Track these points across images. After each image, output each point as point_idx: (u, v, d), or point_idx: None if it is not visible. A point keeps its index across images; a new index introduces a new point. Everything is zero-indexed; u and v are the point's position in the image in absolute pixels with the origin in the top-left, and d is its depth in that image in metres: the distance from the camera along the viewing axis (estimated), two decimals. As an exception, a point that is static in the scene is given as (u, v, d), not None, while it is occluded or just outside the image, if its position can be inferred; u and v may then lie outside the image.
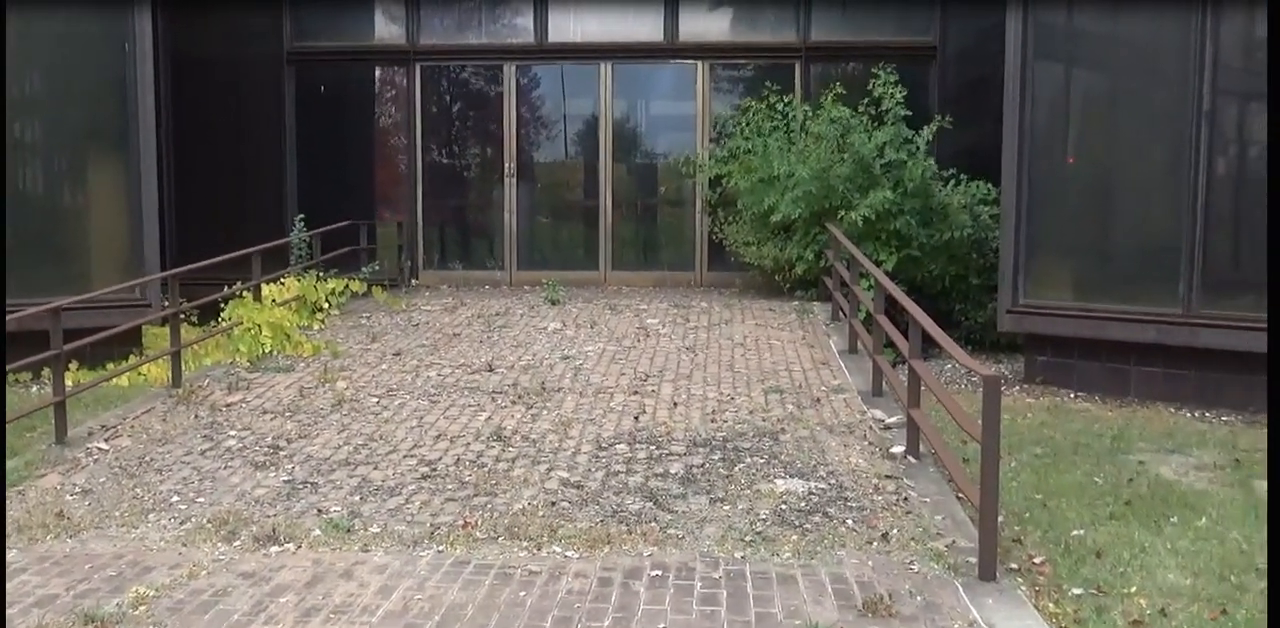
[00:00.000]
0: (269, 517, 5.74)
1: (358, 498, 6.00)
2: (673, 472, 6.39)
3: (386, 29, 14.63)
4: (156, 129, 11.63)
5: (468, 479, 6.27)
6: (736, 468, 6.45)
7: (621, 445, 6.92)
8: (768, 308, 12.04)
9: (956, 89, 14.00)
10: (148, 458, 6.80)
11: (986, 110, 13.81)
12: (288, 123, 14.34)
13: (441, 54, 14.41)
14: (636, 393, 8.25)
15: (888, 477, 6.32)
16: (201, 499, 6.05)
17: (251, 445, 7.00)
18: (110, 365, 9.94)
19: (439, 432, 7.25)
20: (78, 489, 6.27)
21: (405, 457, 6.73)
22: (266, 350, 9.60)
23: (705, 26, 14.54)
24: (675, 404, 7.94)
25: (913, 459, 6.68)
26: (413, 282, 14.26)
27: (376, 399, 8.11)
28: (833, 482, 6.22)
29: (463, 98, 15.15)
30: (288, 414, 7.72)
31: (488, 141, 14.79)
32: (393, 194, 14.88)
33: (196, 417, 7.73)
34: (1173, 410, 9.53)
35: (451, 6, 14.52)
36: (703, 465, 6.50)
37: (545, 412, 7.73)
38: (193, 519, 5.74)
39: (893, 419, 7.49)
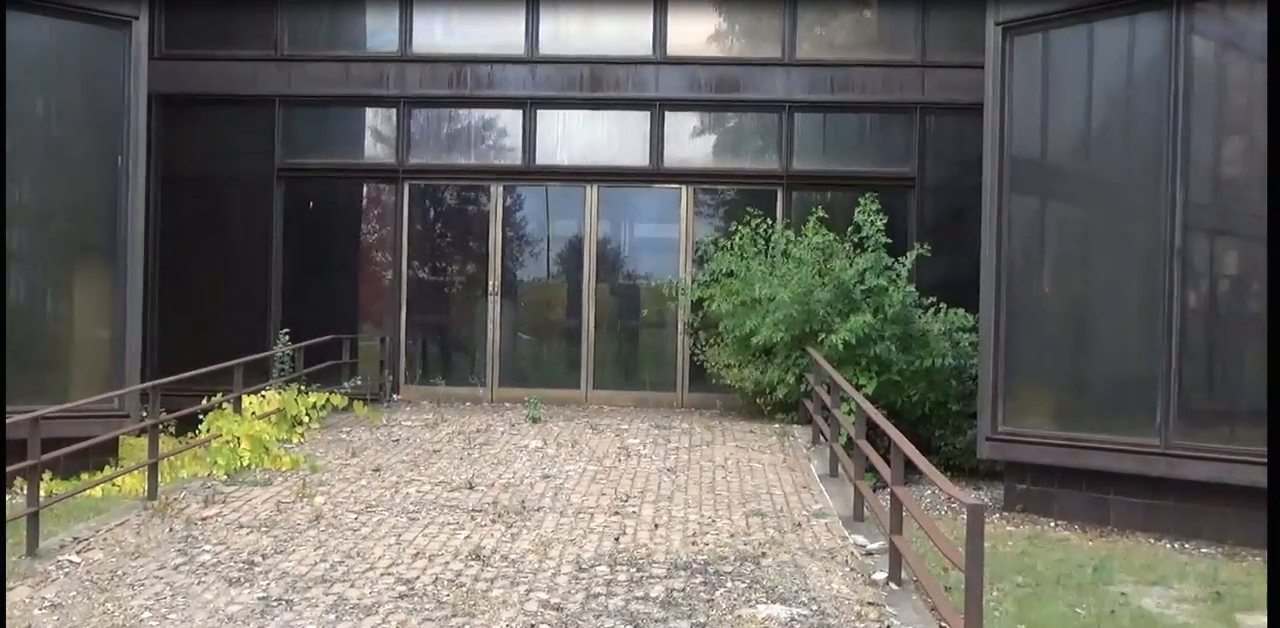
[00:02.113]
0: (242, 636, 5.63)
1: (334, 617, 5.90)
2: (653, 595, 6.31)
3: (376, 147, 14.99)
4: (146, 244, 11.79)
5: (445, 599, 6.18)
6: (718, 592, 6.38)
7: (602, 567, 6.84)
8: (748, 430, 12.06)
9: (934, 218, 14.36)
10: (120, 572, 6.68)
11: (963, 240, 14.14)
12: (275, 236, 14.51)
13: (430, 173, 14.71)
14: (617, 514, 8.20)
15: (870, 604, 6.26)
16: (173, 616, 5.93)
17: (226, 561, 6.89)
18: (85, 476, 9.84)
19: (417, 550, 7.16)
20: (47, 604, 6.14)
21: (383, 575, 6.63)
22: (245, 464, 9.51)
23: (690, 153, 14.94)
24: (656, 526, 7.88)
25: (895, 586, 6.63)
26: (394, 396, 14.24)
27: (355, 515, 8.03)
28: (815, 608, 6.16)
29: (449, 215, 15.41)
30: (264, 529, 7.62)
31: (472, 259, 14.98)
32: (377, 309, 14.99)
33: (171, 530, 7.62)
34: (1153, 541, 9.53)
35: (441, 127, 14.89)
36: (684, 589, 6.43)
37: (525, 531, 7.66)
38: (164, 637, 5.62)
39: (875, 545, 7.45)
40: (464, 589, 6.35)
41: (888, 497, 6.80)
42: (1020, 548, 8.81)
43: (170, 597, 6.24)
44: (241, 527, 7.69)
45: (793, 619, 5.95)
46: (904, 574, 6.72)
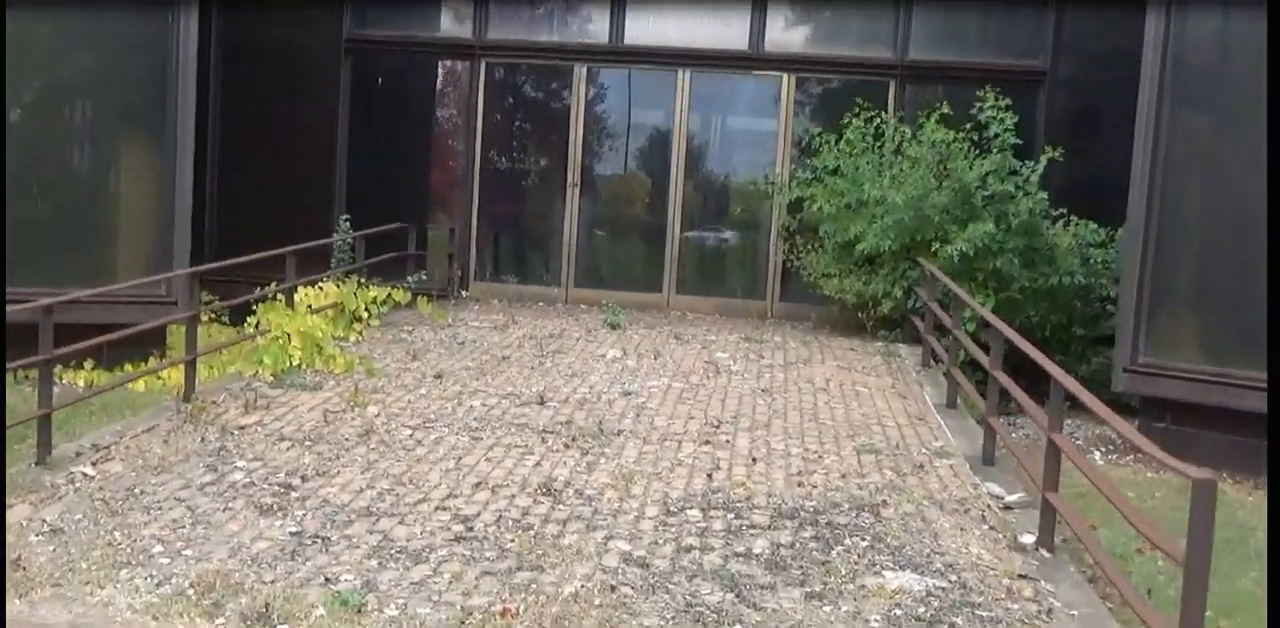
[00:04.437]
0: (265, 583, 4.68)
1: (375, 563, 4.93)
2: (756, 552, 5.27)
3: (451, 20, 13.67)
4: (206, 117, 10.76)
5: (509, 546, 5.18)
6: (834, 552, 5.32)
7: (693, 511, 5.81)
8: (849, 348, 10.90)
9: (1065, 118, 12.82)
10: (138, 490, 5.78)
11: (1097, 143, 12.71)
12: (341, 115, 13.38)
13: (508, 50, 13.41)
14: (708, 443, 7.14)
15: (1021, 577, 5.17)
16: (189, 552, 5.01)
17: (260, 482, 5.96)
18: (130, 367, 8.98)
19: (479, 478, 6.17)
20: (46, 528, 5.24)
21: (437, 509, 5.66)
22: (294, 363, 8.57)
23: (794, 37, 13.49)
24: (754, 459, 6.82)
25: (1046, 553, 5.53)
26: (462, 293, 13.24)
27: (410, 431, 7.06)
28: (954, 579, 5.08)
29: (527, 99, 14.16)
30: (307, 444, 6.67)
31: (551, 148, 13.77)
32: (447, 198, 13.90)
33: (203, 440, 6.71)
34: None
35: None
36: (792, 545, 5.38)
37: (603, 460, 6.64)
38: (173, 580, 4.69)
39: (1013, 497, 6.33)
40: (531, 533, 5.35)
41: (1019, 434, 5.65)
42: (1171, 501, 7.64)
43: (190, 526, 5.31)
44: (283, 439, 6.76)
45: (929, 594, 4.88)
46: (1056, 539, 5.61)
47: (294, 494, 5.79)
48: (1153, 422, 9.62)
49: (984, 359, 7.44)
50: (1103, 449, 9.66)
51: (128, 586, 4.63)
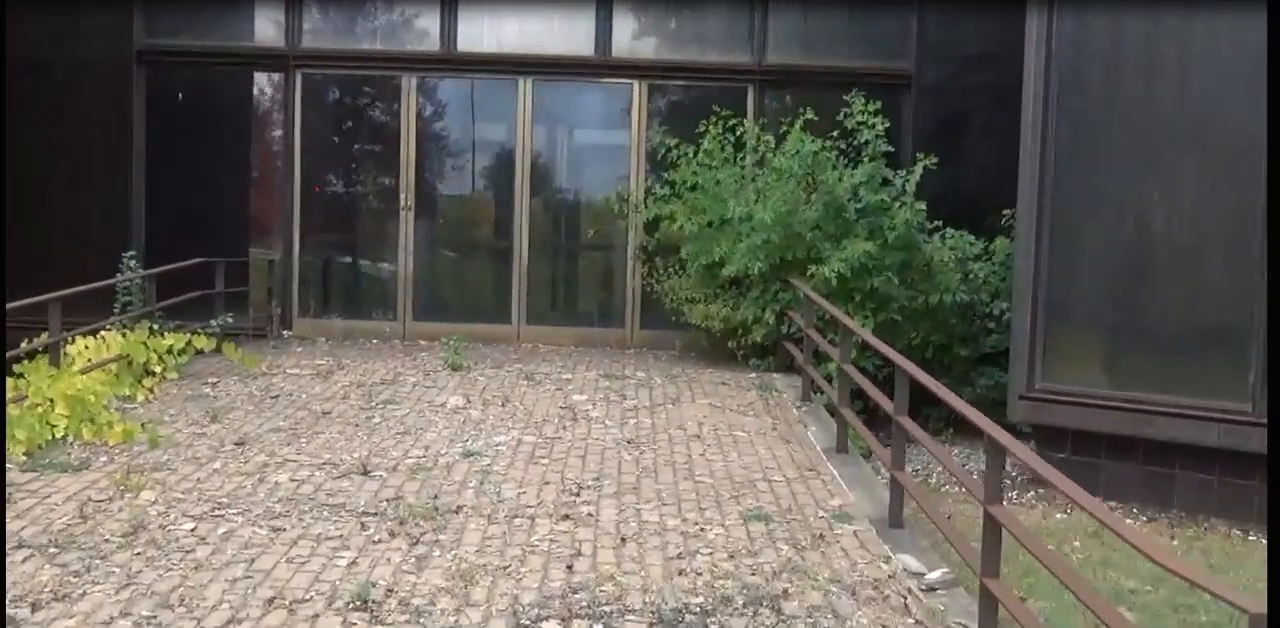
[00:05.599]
0: None
1: (111, 745, 3.56)
2: (633, 681, 4.07)
3: (260, 27, 12.17)
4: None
5: (305, 699, 3.87)
6: (732, 674, 4.15)
7: (550, 623, 4.57)
8: (720, 381, 9.80)
9: (933, 123, 12.03)
10: None
11: (966, 149, 11.99)
12: (135, 137, 11.76)
13: (327, 60, 12.00)
14: (567, 517, 5.91)
15: (969, 697, 4.08)
16: None
17: (-25, 615, 4.50)
18: None
19: (274, 590, 4.82)
20: None
21: (213, 643, 4.30)
22: (59, 435, 7.04)
23: (644, 41, 12.44)
24: (623, 539, 5.61)
25: (990, 655, 4.46)
26: (284, 333, 11.76)
27: (193, 524, 5.64)
28: (887, 706, 3.96)
29: (352, 114, 12.77)
30: (52, 552, 5.21)
31: (381, 167, 12.40)
32: (266, 226, 12.39)
33: (-86, 552, 5.19)
34: (1231, 531, 7.53)
35: (341, 2, 12.15)
36: (678, 667, 4.19)
37: (437, 551, 5.35)
38: None
39: (935, 575, 5.25)
40: (336, 676, 4.04)
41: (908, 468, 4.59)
42: (1090, 551, 6.73)
43: None
44: (20, 546, 5.27)
45: (860, 736, 3.74)
46: (1000, 634, 4.55)
47: (18, 633, 4.35)
48: (1051, 452, 8.80)
49: (886, 403, 6.40)
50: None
51: None
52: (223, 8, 12.18)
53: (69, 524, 5.58)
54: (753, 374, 10.15)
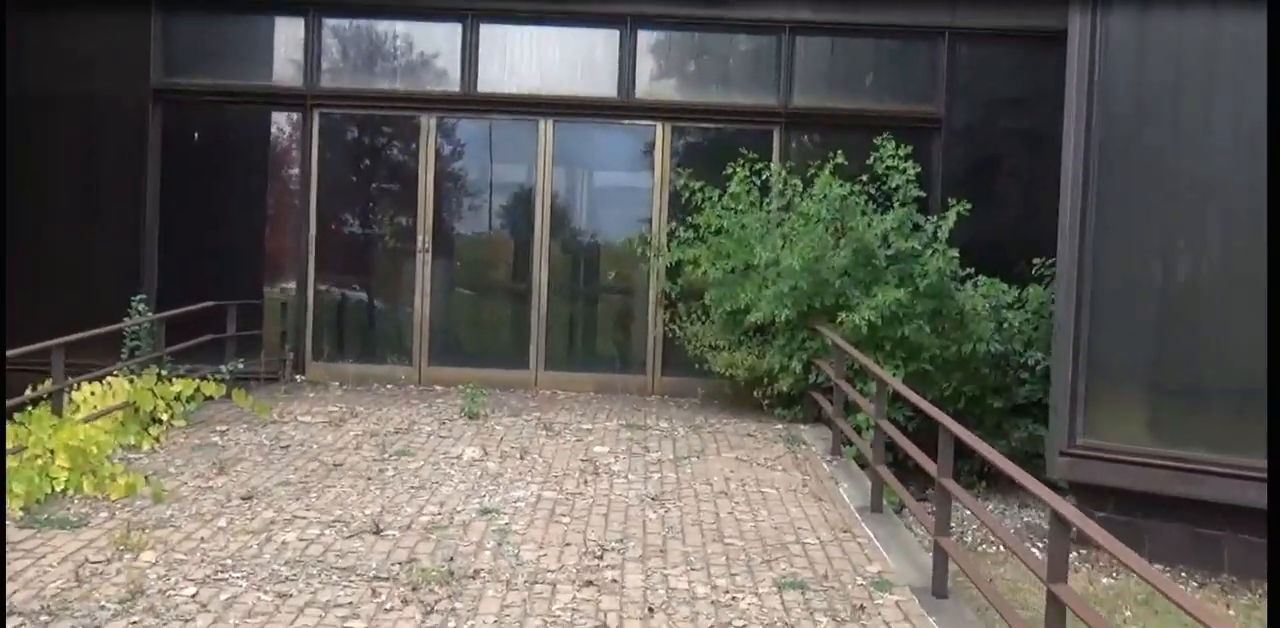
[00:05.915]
0: None
1: None
2: None
3: (279, 66, 12.00)
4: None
5: None
6: None
7: (575, 708, 4.23)
8: (746, 432, 9.46)
9: (962, 167, 11.79)
10: None
11: (997, 193, 11.74)
12: (150, 177, 11.55)
13: (345, 99, 11.82)
14: (590, 584, 5.57)
15: None
16: None
17: (-43, 692, 4.18)
18: None
19: (278, 666, 4.50)
20: None
21: (210, 728, 3.97)
22: (59, 489, 6.74)
23: (667, 82, 12.23)
24: (650, 609, 5.26)
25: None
26: (297, 377, 11.47)
27: (194, 589, 5.31)
28: None
29: (370, 154, 12.56)
30: (45, 619, 4.89)
31: (399, 208, 12.17)
32: (280, 268, 12.14)
33: (-101, 617, 4.87)
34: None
35: (360, 43, 11.99)
36: None
37: (452, 621, 5.01)
38: None
39: (988, 653, 4.91)
40: None
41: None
42: (1151, 623, 6.33)
43: None
44: (12, 614, 4.95)
45: None
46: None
47: (0, 714, 4.02)
48: (1092, 510, 8.39)
49: (925, 461, 6.06)
50: (1037, 540, 8.40)
51: None
52: (241, 47, 12.06)
53: (63, 589, 5.26)
54: (779, 425, 9.81)
